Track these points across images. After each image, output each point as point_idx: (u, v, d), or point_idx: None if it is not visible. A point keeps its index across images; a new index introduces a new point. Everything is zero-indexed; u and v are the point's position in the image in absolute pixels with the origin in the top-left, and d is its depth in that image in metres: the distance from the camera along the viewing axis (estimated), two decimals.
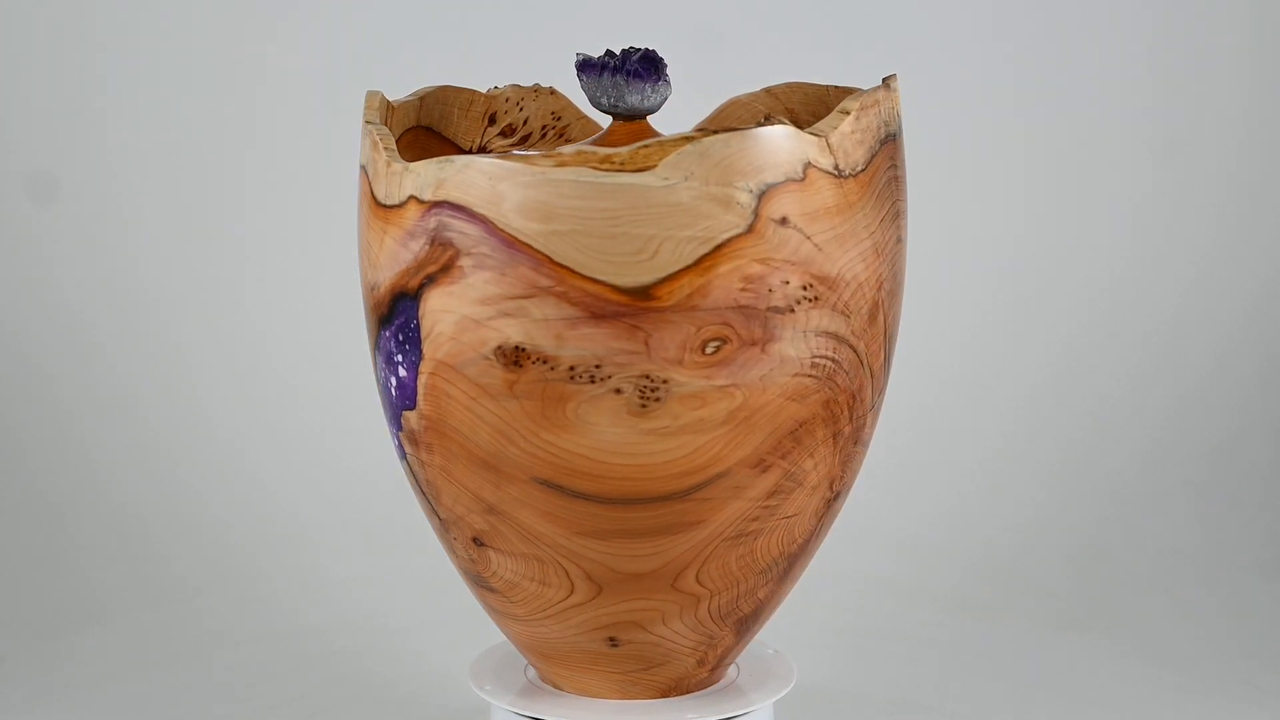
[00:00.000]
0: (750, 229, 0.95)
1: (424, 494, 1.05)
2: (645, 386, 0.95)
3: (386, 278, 1.00)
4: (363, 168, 1.03)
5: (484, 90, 1.17)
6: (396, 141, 1.10)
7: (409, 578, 1.48)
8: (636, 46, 1.06)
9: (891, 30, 1.75)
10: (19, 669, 1.34)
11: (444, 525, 1.05)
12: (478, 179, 0.95)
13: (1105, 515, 1.58)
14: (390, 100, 1.10)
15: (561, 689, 1.10)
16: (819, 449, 1.01)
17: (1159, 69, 1.76)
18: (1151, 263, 1.74)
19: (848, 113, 0.98)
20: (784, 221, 0.95)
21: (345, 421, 1.62)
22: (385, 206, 1.00)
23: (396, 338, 1.00)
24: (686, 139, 0.93)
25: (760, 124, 1.15)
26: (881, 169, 1.01)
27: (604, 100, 1.06)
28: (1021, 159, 1.75)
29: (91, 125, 1.73)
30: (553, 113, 1.19)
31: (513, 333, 0.96)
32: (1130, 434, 1.66)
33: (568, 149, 0.94)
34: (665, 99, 1.07)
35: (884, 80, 1.03)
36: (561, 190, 0.94)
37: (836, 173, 0.97)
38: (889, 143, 1.02)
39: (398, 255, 0.99)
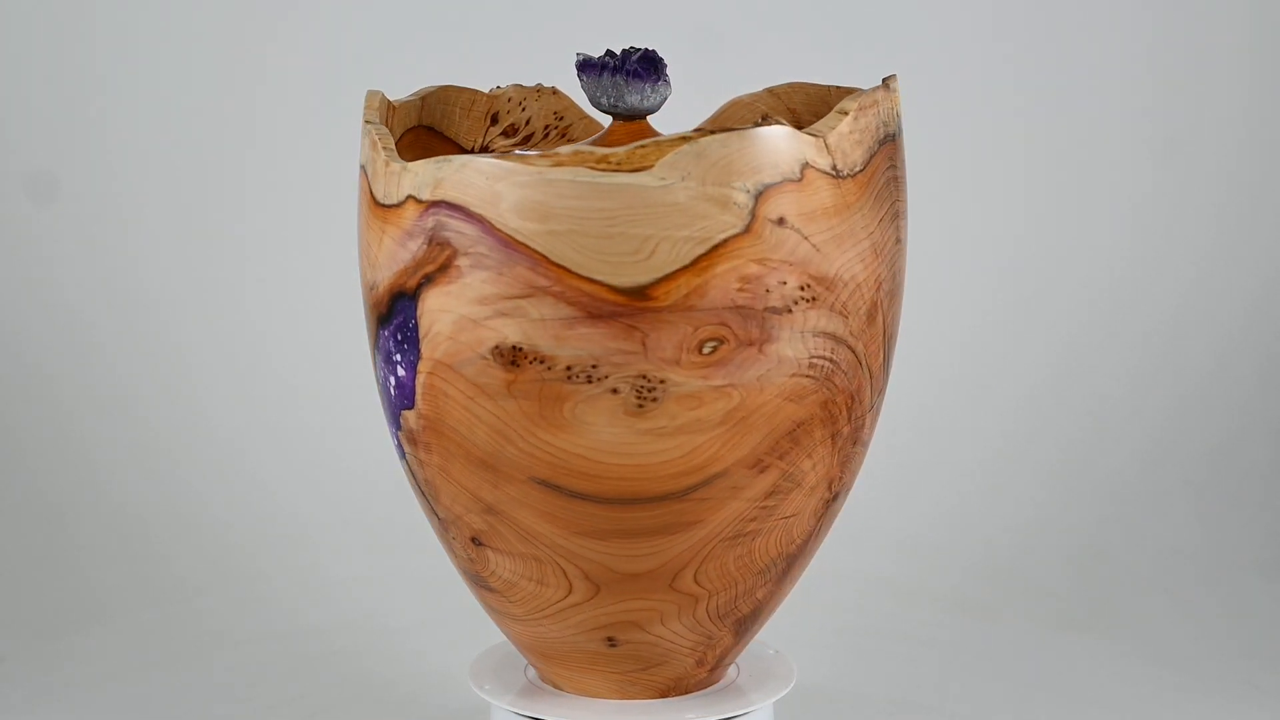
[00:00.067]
0: (747, 229, 0.95)
1: (423, 494, 1.05)
2: (642, 386, 0.95)
3: (385, 277, 1.00)
4: (362, 167, 1.03)
5: (486, 90, 1.17)
6: (398, 141, 1.10)
7: (409, 578, 1.48)
8: (636, 46, 1.06)
9: (891, 30, 1.75)
10: (19, 669, 1.34)
11: (443, 525, 1.05)
12: (475, 179, 0.95)
13: (1105, 515, 1.58)
14: (391, 100, 1.10)
15: (561, 689, 1.10)
16: (817, 449, 1.01)
17: (1159, 69, 1.76)
18: (1151, 263, 1.74)
19: (846, 113, 0.98)
20: (781, 222, 0.95)
21: (345, 421, 1.62)
22: (384, 206, 1.00)
23: (395, 337, 1.00)
24: (683, 139, 0.93)
25: (757, 124, 1.15)
26: (880, 169, 1.01)
27: (604, 100, 1.06)
28: (1021, 159, 1.75)
29: (91, 125, 1.73)
30: (555, 113, 1.19)
31: (510, 332, 0.96)
32: (1130, 434, 1.66)
33: (565, 149, 0.94)
34: (665, 99, 1.07)
35: (884, 80, 1.03)
36: (559, 190, 0.94)
37: (834, 173, 0.97)
38: (888, 143, 1.02)
39: (396, 255, 0.99)
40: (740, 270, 0.95)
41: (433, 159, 0.96)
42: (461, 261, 0.96)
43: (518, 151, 1.00)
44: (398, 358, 1.00)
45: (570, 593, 1.02)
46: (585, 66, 1.06)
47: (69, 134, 1.72)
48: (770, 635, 1.18)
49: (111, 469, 1.61)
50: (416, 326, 0.98)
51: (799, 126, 1.06)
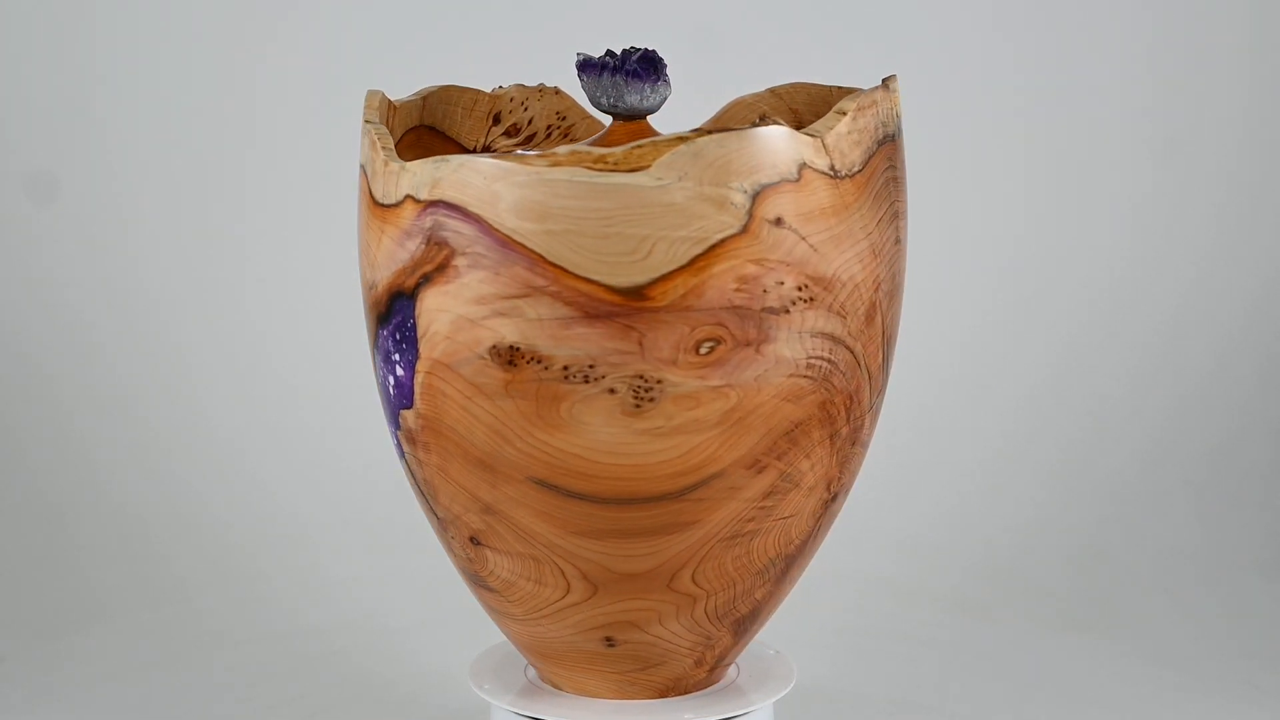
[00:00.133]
0: (744, 229, 0.95)
1: (422, 493, 1.05)
2: (639, 386, 0.95)
3: (384, 277, 1.00)
4: (362, 167, 1.03)
5: (488, 90, 1.17)
6: (400, 141, 1.10)
7: (409, 578, 1.48)
8: (636, 46, 1.06)
9: (891, 30, 1.75)
10: (19, 669, 1.35)
11: (442, 525, 1.05)
12: (473, 178, 0.95)
13: (1105, 515, 1.58)
14: (393, 100, 1.10)
15: (561, 689, 1.10)
16: (815, 450, 1.01)
17: (1159, 69, 1.76)
18: (1151, 263, 1.74)
19: (844, 113, 0.98)
20: (779, 222, 0.95)
21: (345, 421, 1.62)
22: (383, 206, 1.00)
23: (394, 337, 1.00)
24: (681, 139, 0.93)
25: (755, 124, 1.15)
26: (879, 170, 1.01)
27: (603, 100, 1.06)
28: (1021, 159, 1.75)
29: (91, 125, 1.73)
30: (557, 113, 1.19)
31: (507, 332, 0.96)
32: (1130, 434, 1.66)
33: (562, 149, 0.94)
34: (665, 99, 1.07)
35: (883, 81, 1.02)
36: (556, 190, 0.94)
37: (832, 173, 0.97)
38: (887, 143, 1.01)
39: (394, 254, 0.99)
40: (737, 270, 0.95)
41: (431, 159, 0.96)
42: (459, 261, 0.96)
43: (519, 151, 1.00)
44: (396, 357, 1.00)
45: (568, 593, 1.02)
46: (585, 66, 1.06)
47: (69, 134, 1.72)
48: (770, 635, 1.18)
49: (111, 469, 1.61)
50: (415, 326, 0.98)
51: (801, 126, 1.06)
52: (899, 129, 1.03)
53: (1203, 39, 1.76)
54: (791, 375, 0.97)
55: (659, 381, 0.95)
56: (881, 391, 1.05)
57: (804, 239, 0.96)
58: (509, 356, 0.96)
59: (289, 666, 1.35)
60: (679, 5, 1.72)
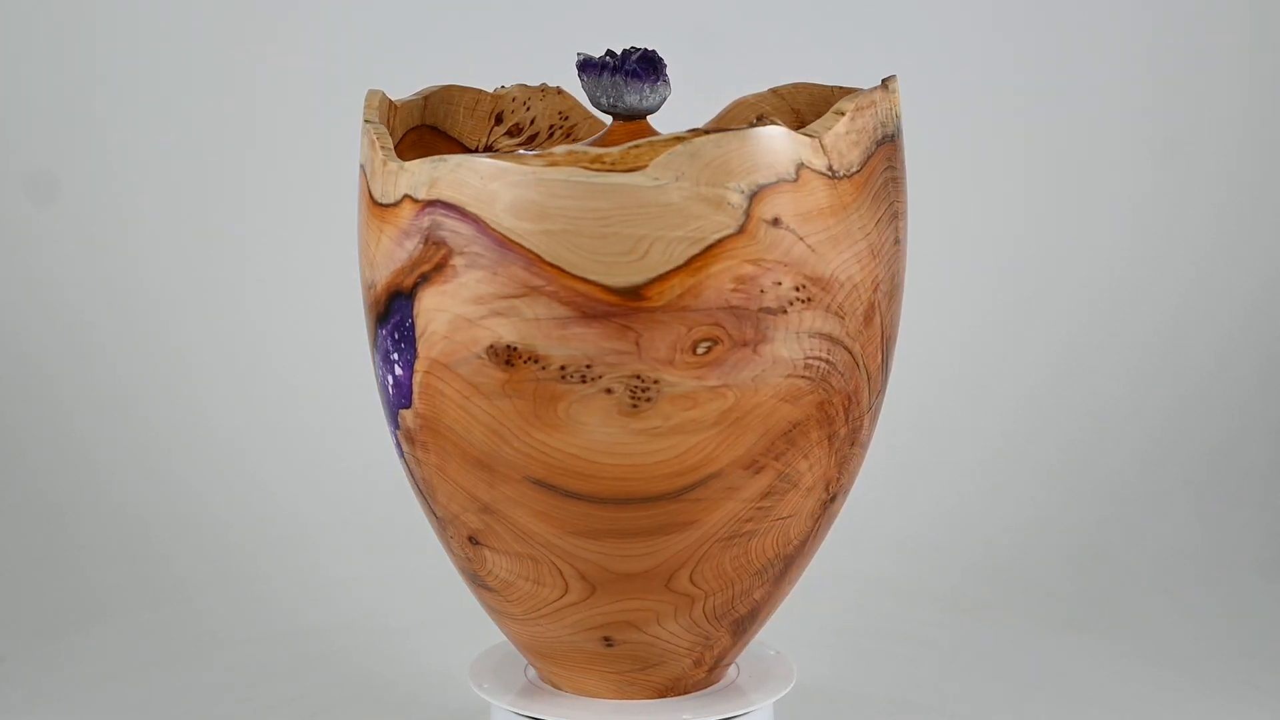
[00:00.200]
0: (742, 229, 0.94)
1: (421, 493, 1.05)
2: (636, 387, 0.95)
3: (383, 276, 1.00)
4: (361, 167, 1.03)
5: (490, 90, 1.17)
6: (401, 141, 1.11)
7: (409, 578, 1.48)
8: (636, 46, 1.06)
9: (891, 30, 1.75)
10: (19, 669, 1.35)
11: (441, 524, 1.05)
12: (470, 178, 0.95)
13: (1105, 515, 1.58)
14: (394, 100, 1.10)
15: (560, 689, 1.10)
16: (814, 450, 1.00)
17: (1159, 69, 1.76)
18: (1151, 263, 1.74)
19: (842, 114, 0.98)
20: (776, 222, 0.95)
21: (345, 421, 1.62)
22: (382, 205, 1.00)
23: (393, 336, 1.00)
24: (678, 139, 0.93)
25: (753, 124, 1.15)
26: (878, 170, 1.00)
27: (603, 100, 1.06)
28: (1021, 159, 1.75)
29: (91, 125, 1.73)
30: (560, 112, 1.19)
31: (505, 332, 0.96)
32: (1130, 434, 1.66)
33: (560, 149, 0.94)
34: (664, 99, 1.07)
35: (882, 81, 1.02)
36: (553, 190, 0.94)
37: (830, 174, 0.97)
38: (886, 144, 1.01)
39: (393, 254, 0.99)
40: (735, 271, 0.95)
41: (429, 158, 0.96)
42: (457, 261, 0.96)
43: (520, 151, 1.00)
44: (395, 357, 1.00)
45: (566, 592, 1.02)
46: (585, 66, 1.06)
47: (69, 134, 1.72)
48: (770, 635, 1.18)
49: (111, 469, 1.62)
50: (413, 326, 0.99)
51: (803, 126, 1.06)
52: (898, 129, 1.03)
53: (1203, 39, 1.76)
54: (789, 376, 0.97)
55: (656, 382, 0.95)
56: (881, 392, 1.05)
57: (802, 239, 0.96)
58: (506, 356, 0.96)
59: (289, 666, 1.35)
60: (679, 5, 1.72)
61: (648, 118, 1.08)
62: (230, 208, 1.73)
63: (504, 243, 0.95)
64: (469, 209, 0.95)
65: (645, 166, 0.93)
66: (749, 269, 0.95)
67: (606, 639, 1.04)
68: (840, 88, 1.13)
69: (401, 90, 1.14)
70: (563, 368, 0.95)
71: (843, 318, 0.99)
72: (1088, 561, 1.52)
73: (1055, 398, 1.68)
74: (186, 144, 1.73)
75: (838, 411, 1.01)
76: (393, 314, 1.00)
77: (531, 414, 0.97)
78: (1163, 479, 1.62)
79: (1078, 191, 1.75)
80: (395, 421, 1.03)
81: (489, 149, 1.17)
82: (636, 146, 0.93)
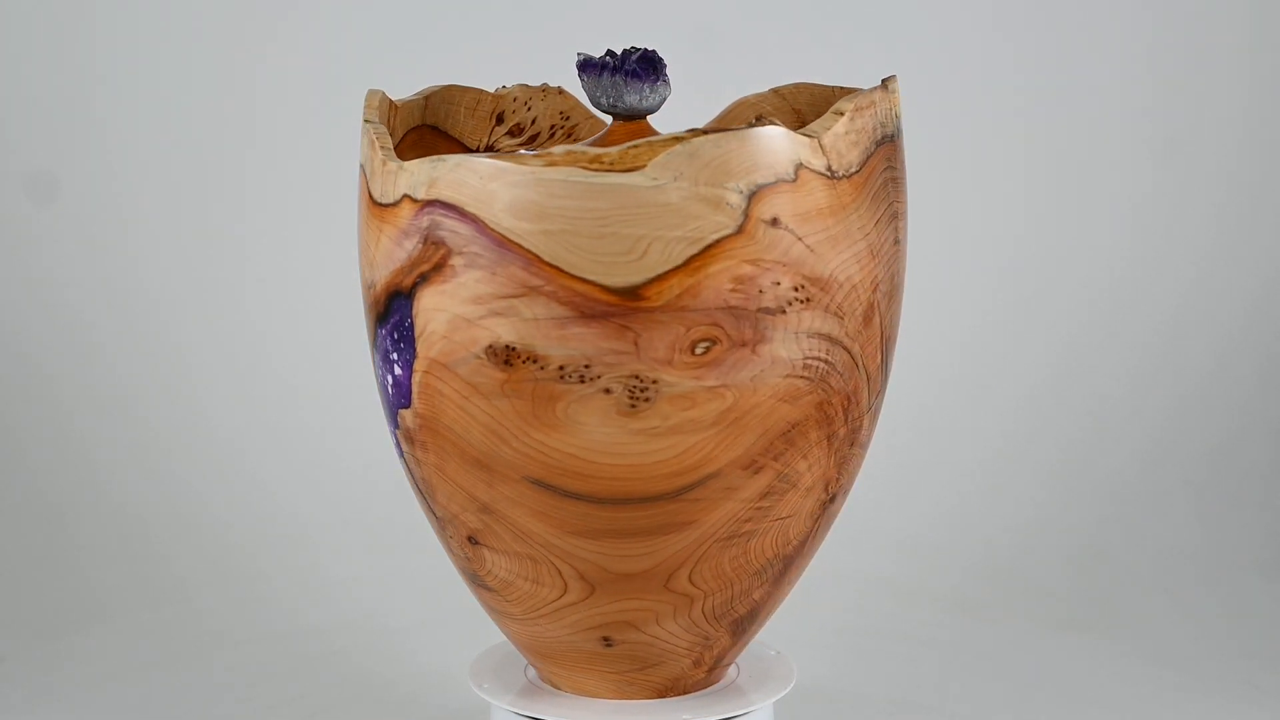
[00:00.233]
0: (740, 229, 0.94)
1: (421, 493, 1.05)
2: (634, 387, 0.95)
3: (382, 276, 1.00)
4: (361, 167, 1.03)
5: (491, 90, 1.17)
6: (402, 141, 1.11)
7: (409, 578, 1.48)
8: (636, 46, 1.06)
9: (891, 30, 1.75)
10: (19, 669, 1.35)
11: (440, 524, 1.05)
12: (469, 178, 0.95)
13: (1105, 515, 1.58)
14: (394, 100, 1.10)
15: (560, 689, 1.10)
16: (813, 451, 1.00)
17: (1159, 69, 1.76)
18: (1151, 263, 1.74)
19: (842, 114, 0.98)
20: (775, 222, 0.95)
21: (345, 421, 1.62)
22: (381, 205, 1.00)
23: (392, 336, 1.00)
24: (676, 139, 0.93)
25: (751, 124, 1.15)
26: (878, 170, 1.00)
27: (603, 100, 1.06)
28: (1021, 159, 1.75)
29: (91, 125, 1.73)
30: (561, 112, 1.19)
31: (503, 332, 0.96)
32: (1130, 434, 1.66)
33: (558, 149, 0.94)
34: (664, 99, 1.07)
35: (882, 81, 1.02)
36: (552, 190, 0.94)
37: (829, 174, 0.97)
38: (886, 144, 1.01)
39: (392, 254, 0.99)
40: (733, 271, 0.95)
41: (428, 158, 0.96)
42: (456, 261, 0.96)
43: (521, 151, 1.00)
44: (394, 356, 1.00)
45: (565, 592, 1.02)
46: (585, 66, 1.06)
47: (69, 134, 1.72)
48: (770, 635, 1.18)
49: (111, 469, 1.62)
50: (412, 325, 0.99)
51: (804, 126, 1.06)
52: (898, 129, 1.03)
53: (1203, 39, 1.76)
54: (788, 376, 0.97)
55: (654, 381, 0.95)
56: (880, 392, 1.05)
57: (800, 239, 0.96)
58: (505, 356, 0.96)
59: (289, 666, 1.35)
60: (679, 5, 1.72)
61: (648, 118, 1.08)
62: (230, 208, 1.73)
63: (503, 243, 0.95)
64: (468, 209, 0.95)
65: (644, 166, 0.93)
66: (748, 269, 0.95)
67: (606, 639, 1.04)
68: (841, 88, 1.13)
69: (401, 90, 1.14)
70: (561, 368, 0.95)
71: (842, 318, 0.99)
72: (1088, 561, 1.52)
73: (1055, 398, 1.68)
74: (186, 144, 1.73)
75: (837, 412, 1.01)
76: (392, 314, 1.00)
77: (530, 414, 0.97)
78: (1163, 479, 1.62)
79: (1078, 191, 1.75)
80: (395, 421, 1.03)
81: (490, 149, 1.17)
82: (635, 146, 0.93)
